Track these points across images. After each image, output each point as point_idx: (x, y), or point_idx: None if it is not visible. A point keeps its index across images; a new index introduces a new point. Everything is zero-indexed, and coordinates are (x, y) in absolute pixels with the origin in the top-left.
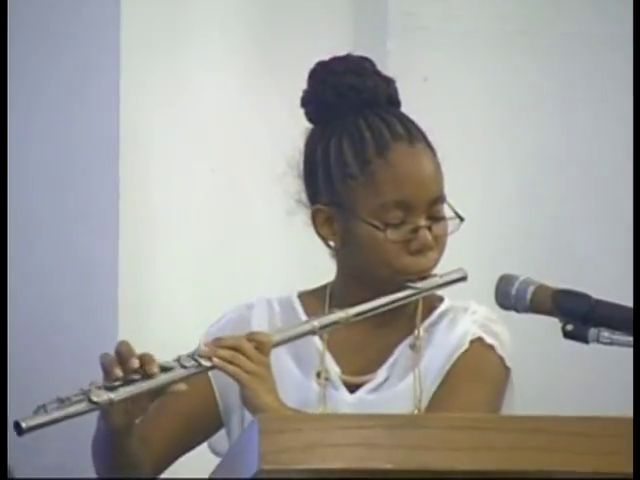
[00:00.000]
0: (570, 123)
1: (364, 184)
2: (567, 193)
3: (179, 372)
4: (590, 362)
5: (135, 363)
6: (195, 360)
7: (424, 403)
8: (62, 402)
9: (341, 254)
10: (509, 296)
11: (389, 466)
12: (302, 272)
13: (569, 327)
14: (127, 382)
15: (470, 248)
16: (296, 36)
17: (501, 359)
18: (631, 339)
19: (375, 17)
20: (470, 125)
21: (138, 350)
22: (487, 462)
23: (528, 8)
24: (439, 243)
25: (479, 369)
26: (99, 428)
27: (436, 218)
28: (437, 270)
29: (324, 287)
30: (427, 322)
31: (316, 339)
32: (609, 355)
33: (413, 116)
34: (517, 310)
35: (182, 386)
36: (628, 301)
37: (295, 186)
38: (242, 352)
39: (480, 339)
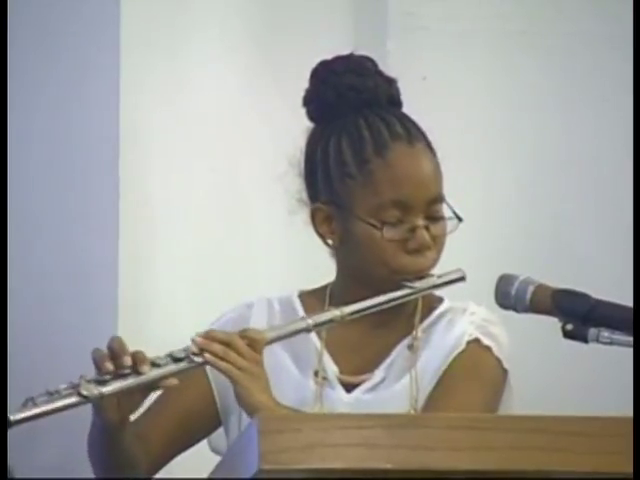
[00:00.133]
0: (570, 123)
1: (362, 183)
2: (567, 193)
3: (170, 367)
4: (590, 362)
5: (127, 361)
6: (187, 356)
7: (420, 403)
8: (51, 395)
9: (340, 253)
10: (509, 296)
11: (389, 466)
12: (302, 272)
13: (569, 327)
14: (118, 376)
15: (470, 248)
16: (296, 36)
17: (498, 361)
18: (631, 339)
19: (375, 17)
20: (470, 125)
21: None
22: (487, 462)
23: (528, 8)
24: (437, 243)
25: (475, 370)
26: (94, 423)
27: (434, 218)
28: (436, 270)
29: (324, 287)
30: (426, 323)
31: (315, 338)
32: (609, 355)
33: (413, 116)
34: (517, 310)
35: (174, 381)
36: (628, 301)
37: (296, 185)
38: (234, 349)
39: (477, 340)
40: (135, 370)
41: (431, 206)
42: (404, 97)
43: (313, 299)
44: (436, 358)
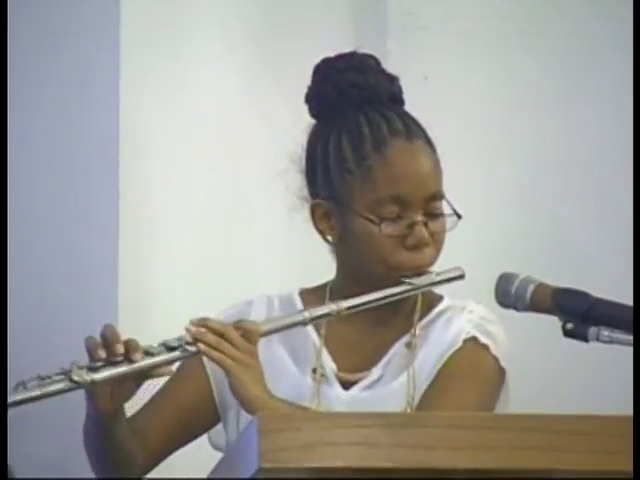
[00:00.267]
0: (570, 122)
1: (361, 179)
2: (567, 192)
3: (164, 356)
4: (590, 361)
5: (120, 349)
6: (181, 345)
7: (417, 401)
8: (42, 380)
9: (339, 250)
10: (509, 294)
11: (389, 465)
12: (302, 272)
13: (569, 325)
14: (110, 364)
15: (470, 247)
16: (296, 35)
17: (495, 359)
18: (631, 337)
19: (375, 17)
20: (470, 124)
21: None
22: (487, 461)
23: (528, 7)
24: (436, 240)
25: (471, 368)
26: (88, 414)
27: (433, 214)
28: (435, 269)
29: (325, 285)
30: (424, 321)
31: (314, 335)
32: (609, 354)
33: (413, 115)
34: (517, 309)
35: (167, 370)
36: (628, 300)
37: (297, 182)
38: (228, 339)
39: (474, 338)
40: (128, 358)
41: (430, 202)
42: (405, 95)
43: (313, 296)
44: (433, 356)
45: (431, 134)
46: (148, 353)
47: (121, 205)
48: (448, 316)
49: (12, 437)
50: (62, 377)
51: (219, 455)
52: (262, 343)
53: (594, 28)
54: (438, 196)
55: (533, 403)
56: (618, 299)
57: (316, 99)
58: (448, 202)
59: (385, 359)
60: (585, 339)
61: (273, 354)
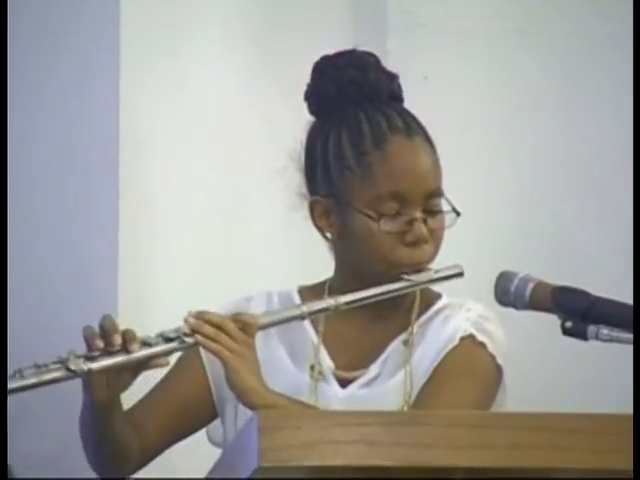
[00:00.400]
0: (570, 122)
1: (360, 176)
2: (567, 192)
3: (161, 347)
4: (589, 359)
5: (117, 339)
6: (178, 336)
7: (414, 399)
8: (39, 368)
9: (338, 247)
10: (508, 293)
11: (389, 463)
12: (302, 271)
13: (568, 324)
14: (107, 353)
15: (470, 247)
16: (296, 35)
17: (492, 357)
18: (630, 336)
19: (375, 16)
20: (470, 124)
21: None
22: (487, 459)
23: (528, 7)
24: (435, 237)
25: (468, 366)
26: (84, 404)
27: (432, 212)
28: (435, 267)
29: (323, 282)
30: (422, 318)
31: (311, 332)
32: (608, 352)
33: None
34: (516, 307)
35: (164, 361)
36: (627, 300)
37: (297, 180)
38: (226, 331)
39: (471, 336)
40: (125, 348)
41: (429, 199)
42: (405, 95)
43: (312, 294)
44: (430, 353)
45: (431, 133)
46: (145, 344)
47: (121, 205)
48: (446, 314)
49: (11, 436)
50: (59, 366)
51: (218, 452)
52: (260, 340)
53: (594, 28)
54: (437, 193)
55: (533, 402)
56: (619, 297)
57: (315, 96)
58: (447, 199)
59: (382, 357)
60: (584, 337)
61: (271, 351)
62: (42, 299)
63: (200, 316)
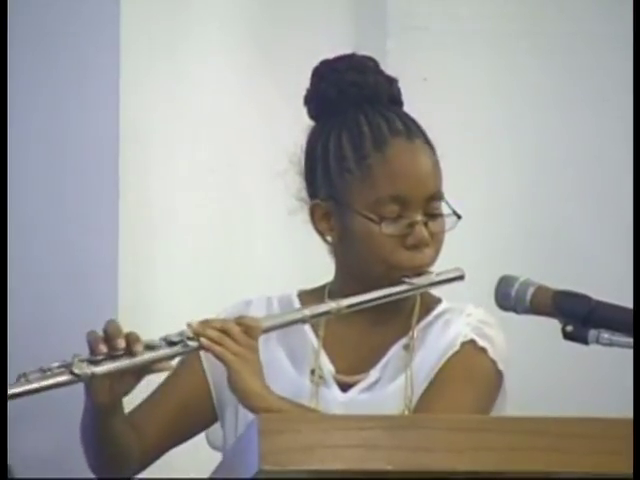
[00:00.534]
0: (572, 122)
1: (361, 178)
2: (568, 193)
3: (165, 351)
4: (590, 363)
5: (121, 343)
6: (182, 340)
7: (415, 404)
8: (44, 372)
9: (338, 250)
10: (509, 297)
11: (389, 467)
12: (303, 272)
13: (569, 328)
14: (111, 357)
15: (471, 248)
16: (296, 35)
17: (493, 362)
18: (631, 340)
19: (375, 16)
20: (471, 125)
21: None
22: (487, 463)
23: (529, 7)
24: (436, 240)
25: (468, 371)
26: (86, 408)
27: (433, 215)
28: (435, 270)
29: (323, 286)
30: (423, 323)
31: (312, 336)
32: (609, 356)
33: (413, 115)
34: (517, 311)
35: (167, 365)
36: (630, 302)
37: (296, 183)
38: (229, 335)
39: (472, 341)
40: (129, 351)
41: (430, 202)
42: (404, 96)
43: (312, 298)
44: (431, 358)
45: (432, 134)
46: (149, 347)
47: (121, 205)
48: (446, 319)
49: (12, 436)
50: (63, 370)
51: (218, 455)
52: (260, 344)
53: (596, 27)
54: (438, 196)
55: (533, 405)
56: (620, 300)
57: (315, 100)
58: (447, 203)
59: (383, 361)
60: (585, 342)
61: (271, 355)
62: (42, 299)
63: (204, 323)
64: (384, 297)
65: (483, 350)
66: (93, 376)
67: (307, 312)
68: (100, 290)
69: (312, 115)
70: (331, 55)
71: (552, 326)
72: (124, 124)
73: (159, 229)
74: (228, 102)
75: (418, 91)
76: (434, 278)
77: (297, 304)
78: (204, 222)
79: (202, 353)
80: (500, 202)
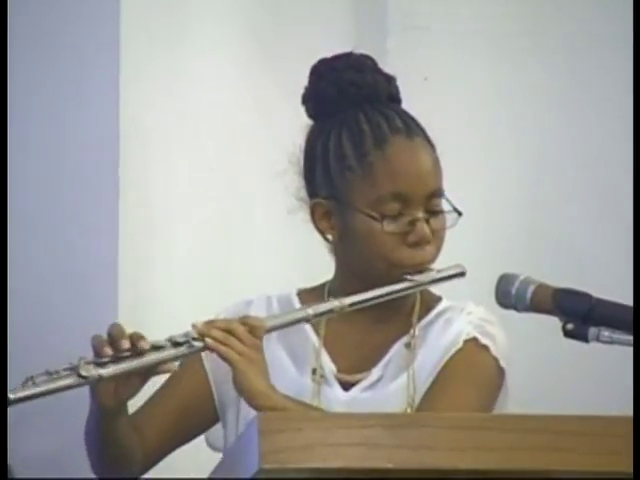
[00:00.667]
0: (572, 122)
1: (362, 176)
2: (569, 192)
3: (170, 352)
4: (590, 361)
5: (125, 344)
6: (187, 340)
7: (417, 402)
8: (50, 375)
9: (339, 249)
10: (509, 295)
11: (390, 466)
12: (303, 272)
13: (569, 326)
14: (117, 359)
15: (472, 247)
16: (296, 33)
17: (495, 360)
18: (631, 338)
19: (375, 15)
20: (472, 124)
21: None
22: (488, 462)
23: (529, 7)
24: (437, 237)
25: (472, 369)
26: (91, 410)
27: (434, 212)
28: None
29: (323, 285)
30: (423, 321)
31: (312, 335)
32: (609, 354)
33: (414, 114)
34: (517, 309)
35: (173, 366)
36: (630, 300)
37: (295, 183)
38: (234, 335)
39: (475, 339)
40: (134, 351)
41: (431, 200)
42: (405, 95)
43: (312, 296)
44: (433, 356)
45: (432, 133)
46: (155, 348)
47: (121, 205)
48: (447, 317)
49: (13, 438)
50: (70, 372)
51: (218, 455)
52: None
53: (597, 27)
54: (438, 193)
55: (534, 404)
56: (621, 299)
57: (314, 99)
58: (447, 200)
59: (385, 359)
60: (585, 340)
61: (272, 354)
62: (41, 299)
63: (208, 323)
64: (386, 295)
65: (485, 348)
66: (100, 378)
67: (310, 311)
68: (100, 290)
69: (310, 114)
70: (332, 53)
71: (552, 324)
72: (124, 122)
73: (159, 229)
74: (229, 102)
75: (419, 90)
76: (436, 275)
77: (297, 303)
78: (204, 222)
79: (203, 354)
80: (501, 201)
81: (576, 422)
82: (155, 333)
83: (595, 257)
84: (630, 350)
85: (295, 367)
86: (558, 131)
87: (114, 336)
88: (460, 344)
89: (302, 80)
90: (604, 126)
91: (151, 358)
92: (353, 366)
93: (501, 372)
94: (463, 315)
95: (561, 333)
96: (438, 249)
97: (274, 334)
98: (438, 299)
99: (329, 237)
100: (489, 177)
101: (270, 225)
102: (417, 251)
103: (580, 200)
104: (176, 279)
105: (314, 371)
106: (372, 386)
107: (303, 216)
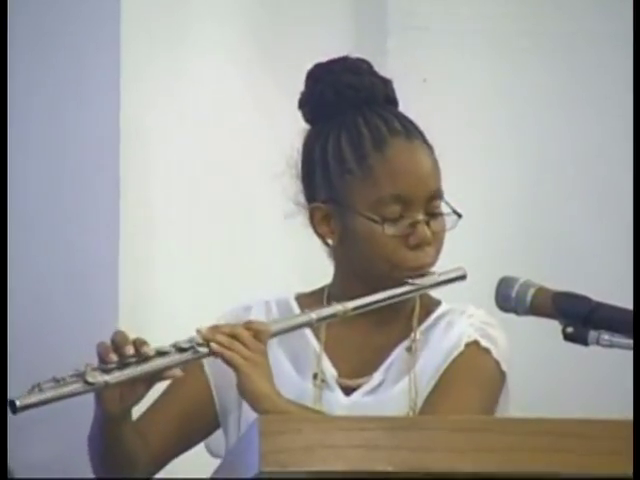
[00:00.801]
0: (572, 121)
1: (362, 179)
2: (569, 192)
3: (175, 357)
4: (590, 365)
5: (130, 350)
6: (192, 346)
7: (419, 405)
8: (57, 382)
9: (339, 252)
10: (509, 299)
11: (390, 468)
12: (302, 272)
13: (569, 329)
14: (122, 365)
15: (472, 249)
16: (296, 34)
17: (497, 363)
18: (631, 341)
19: (375, 15)
20: (472, 124)
21: None
22: (488, 464)
23: (529, 7)
24: (437, 239)
25: (473, 372)
26: (96, 416)
27: (434, 214)
28: (436, 270)
29: (321, 289)
30: (424, 325)
31: (313, 340)
32: (609, 358)
33: (413, 115)
34: (517, 313)
35: (178, 371)
36: (630, 301)
37: (293, 187)
38: (239, 340)
39: (476, 342)
40: (139, 356)
41: (431, 201)
42: (404, 96)
43: (310, 301)
44: (435, 360)
45: (432, 134)
46: (160, 354)
47: (121, 205)
48: (448, 320)
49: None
50: (76, 379)
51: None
52: None
53: (597, 26)
54: (438, 195)
55: (533, 407)
56: (621, 300)
57: (311, 103)
58: (446, 202)
59: (386, 363)
60: (585, 343)
61: (273, 359)
62: (42, 299)
63: (213, 329)
64: (389, 298)
65: (487, 351)
66: (106, 385)
67: (314, 315)
68: (100, 290)
69: (308, 118)
70: (332, 53)
71: (552, 327)
72: (124, 122)
73: (159, 229)
74: (229, 102)
75: (418, 91)
76: (437, 278)
77: (296, 307)
78: (204, 222)
79: (205, 359)
80: (501, 202)
81: (576, 425)
82: (155, 333)
83: (595, 257)
84: (630, 353)
85: (296, 372)
86: (558, 130)
87: (118, 342)
88: (462, 347)
89: (302, 80)
90: (604, 125)
91: (156, 364)
92: (354, 370)
93: (502, 375)
94: (464, 318)
95: (561, 336)
96: (438, 251)
97: (275, 339)
98: (437, 302)
99: (328, 241)
100: (489, 177)
101: (270, 226)
102: (418, 253)
103: (580, 199)
104: (176, 279)
105: (315, 376)
106: (374, 390)
107: (300, 221)
